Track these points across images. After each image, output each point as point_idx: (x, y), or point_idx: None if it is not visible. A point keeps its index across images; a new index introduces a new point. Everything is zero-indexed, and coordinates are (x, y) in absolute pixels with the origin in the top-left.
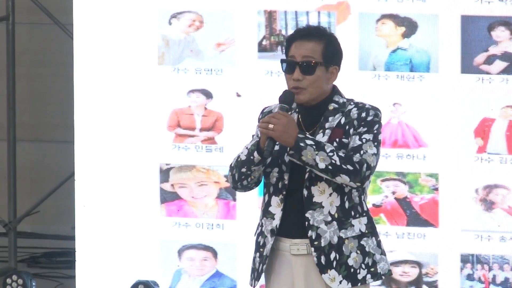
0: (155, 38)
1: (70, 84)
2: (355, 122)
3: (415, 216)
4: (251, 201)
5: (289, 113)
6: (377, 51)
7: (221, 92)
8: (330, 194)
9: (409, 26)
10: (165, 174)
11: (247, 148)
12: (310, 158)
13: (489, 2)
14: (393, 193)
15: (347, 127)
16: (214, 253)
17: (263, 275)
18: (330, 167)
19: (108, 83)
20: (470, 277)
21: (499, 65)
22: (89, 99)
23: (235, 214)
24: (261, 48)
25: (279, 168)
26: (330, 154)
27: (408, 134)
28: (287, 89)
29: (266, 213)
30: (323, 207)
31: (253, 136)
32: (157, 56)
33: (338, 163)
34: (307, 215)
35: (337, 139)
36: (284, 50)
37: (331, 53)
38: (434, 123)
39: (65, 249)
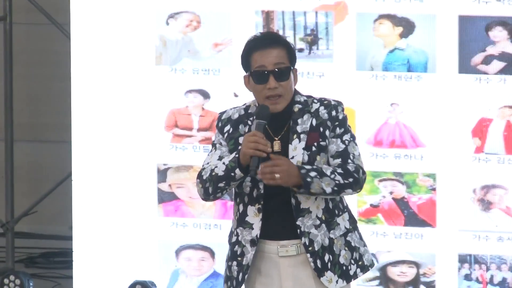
0: (153, 38)
1: (68, 84)
2: (329, 123)
3: (413, 216)
4: None
5: (265, 126)
6: (375, 51)
7: (218, 92)
8: (316, 198)
9: (407, 26)
10: (162, 174)
11: (224, 163)
12: (318, 188)
13: (486, 2)
14: (391, 193)
15: (321, 129)
16: (212, 253)
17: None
18: (335, 188)
19: (105, 83)
20: (467, 277)
21: (497, 65)
22: (86, 99)
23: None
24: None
25: (252, 177)
26: (332, 176)
27: (405, 134)
28: (261, 104)
29: (242, 223)
30: (311, 212)
31: (214, 144)
32: (154, 56)
33: (341, 181)
34: (298, 222)
35: (315, 143)
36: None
37: (293, 56)
38: (431, 123)
39: (63, 249)
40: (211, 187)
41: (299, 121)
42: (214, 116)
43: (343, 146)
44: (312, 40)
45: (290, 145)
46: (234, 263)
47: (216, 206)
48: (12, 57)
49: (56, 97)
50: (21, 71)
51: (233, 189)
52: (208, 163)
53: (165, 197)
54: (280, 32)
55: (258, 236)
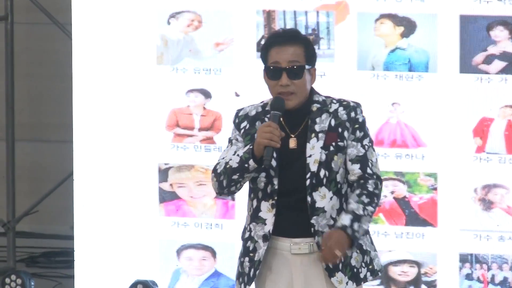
0: (154, 38)
1: (69, 84)
2: (347, 124)
3: (414, 216)
4: None
5: (280, 118)
6: (376, 50)
7: (220, 92)
8: (331, 198)
9: (408, 26)
10: (163, 173)
11: (238, 155)
12: (362, 232)
13: (487, 1)
14: (392, 192)
15: (339, 129)
16: (213, 253)
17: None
18: (370, 218)
19: (106, 83)
20: (469, 277)
21: (498, 64)
22: (87, 98)
23: (234, 214)
24: (260, 48)
25: (266, 173)
26: (365, 212)
27: (406, 133)
28: (277, 96)
29: (255, 218)
30: (325, 211)
31: (230, 140)
32: (155, 56)
33: (372, 209)
34: (312, 221)
35: (333, 143)
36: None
37: (311, 55)
38: (432, 123)
39: (64, 249)
40: (225, 180)
41: (317, 120)
42: (215, 115)
43: (363, 151)
44: (313, 39)
45: (308, 143)
46: (246, 259)
47: (217, 205)
48: (13, 56)
49: (58, 96)
50: (22, 71)
51: (248, 184)
52: (223, 158)
53: (167, 197)
54: None
55: (271, 231)
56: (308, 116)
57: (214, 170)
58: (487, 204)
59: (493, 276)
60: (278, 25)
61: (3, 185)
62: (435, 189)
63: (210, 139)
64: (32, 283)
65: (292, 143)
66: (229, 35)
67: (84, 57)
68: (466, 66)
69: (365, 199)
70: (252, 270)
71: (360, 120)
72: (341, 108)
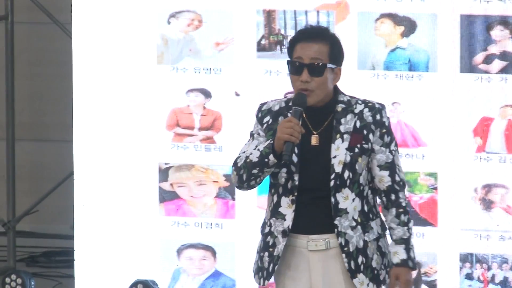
0: (154, 38)
1: (69, 83)
2: (372, 127)
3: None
4: (250, 200)
5: (303, 114)
6: (376, 50)
7: (220, 92)
8: (353, 200)
9: (408, 26)
10: (164, 173)
11: (258, 149)
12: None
13: (488, 1)
14: None
15: (365, 131)
16: (213, 253)
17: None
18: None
19: (107, 83)
20: (469, 276)
21: (498, 64)
22: (88, 98)
23: (234, 214)
24: (260, 48)
25: (287, 168)
26: (410, 231)
27: (407, 133)
28: (299, 91)
29: (275, 213)
30: (348, 213)
31: (252, 134)
32: (156, 55)
33: (412, 224)
34: (335, 222)
35: (358, 145)
36: (283, 50)
37: (336, 54)
38: (433, 123)
39: (64, 249)
40: (245, 174)
41: (342, 120)
42: (215, 115)
43: (391, 157)
44: None
45: (332, 144)
46: (266, 253)
47: (218, 205)
48: (13, 56)
49: (58, 96)
50: (23, 70)
51: (269, 179)
52: (244, 152)
53: (167, 196)
54: (282, 32)
55: (290, 227)
56: (333, 116)
57: (235, 163)
58: (487, 204)
59: (493, 276)
60: (278, 25)
61: (3, 184)
62: (435, 188)
63: (210, 139)
64: (32, 283)
65: (314, 140)
66: (229, 35)
67: (84, 56)
68: (466, 66)
69: (403, 217)
70: (271, 265)
71: (387, 123)
72: (366, 110)
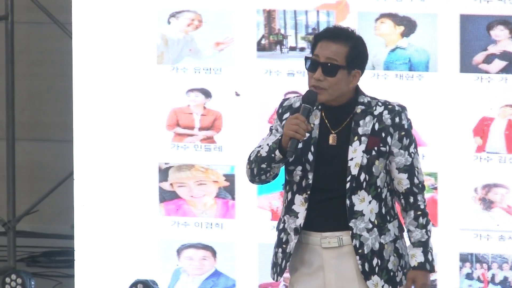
0: (154, 37)
1: (69, 83)
2: (391, 130)
3: None
4: (250, 200)
5: (311, 112)
6: (376, 50)
7: (220, 91)
8: (370, 202)
9: (408, 25)
10: (164, 173)
11: (268, 144)
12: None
13: (488, 1)
14: None
15: (383, 134)
16: (213, 252)
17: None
18: (431, 233)
19: (107, 82)
20: (469, 276)
21: (498, 64)
22: (88, 98)
23: (234, 213)
24: (260, 47)
25: (302, 166)
26: (428, 233)
27: None
28: (309, 89)
29: (289, 211)
30: (364, 215)
31: (271, 129)
32: (156, 55)
33: (430, 226)
34: (350, 224)
35: (375, 148)
36: (283, 50)
37: (355, 57)
38: (433, 122)
39: (64, 248)
40: (255, 168)
41: (361, 122)
42: (215, 115)
43: (410, 159)
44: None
45: (350, 146)
46: (279, 250)
47: (218, 205)
48: (13, 56)
49: (58, 96)
50: (23, 70)
51: (284, 176)
52: (259, 146)
53: (167, 196)
54: (282, 31)
55: (302, 225)
56: (352, 117)
57: (249, 157)
58: (487, 204)
59: (493, 276)
60: (278, 25)
61: (4, 184)
62: (435, 188)
63: (210, 139)
64: (33, 283)
65: (331, 139)
66: (229, 35)
67: (85, 56)
68: (467, 66)
69: (421, 219)
70: (284, 261)
71: (406, 126)
72: (385, 112)
